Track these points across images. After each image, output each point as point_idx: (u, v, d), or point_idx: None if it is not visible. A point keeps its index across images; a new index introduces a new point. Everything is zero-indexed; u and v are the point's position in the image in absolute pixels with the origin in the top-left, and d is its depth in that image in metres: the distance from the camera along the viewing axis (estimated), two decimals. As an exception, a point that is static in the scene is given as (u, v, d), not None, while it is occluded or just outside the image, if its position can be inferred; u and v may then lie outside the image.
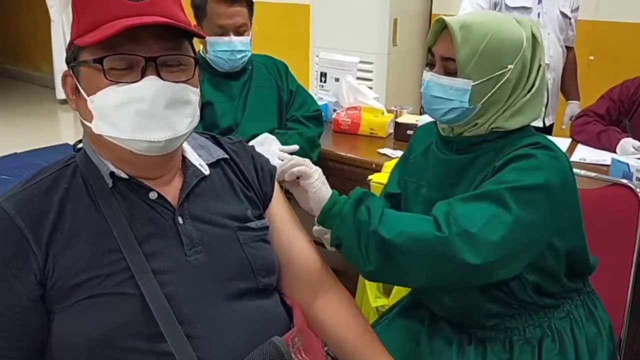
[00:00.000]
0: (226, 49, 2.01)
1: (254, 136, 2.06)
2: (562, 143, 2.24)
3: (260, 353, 0.97)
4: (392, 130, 2.49)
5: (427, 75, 1.28)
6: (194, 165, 1.07)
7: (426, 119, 2.11)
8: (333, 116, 2.59)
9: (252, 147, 1.24)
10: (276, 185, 1.21)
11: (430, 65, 1.29)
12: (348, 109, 2.56)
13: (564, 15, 2.73)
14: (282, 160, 1.93)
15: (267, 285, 1.09)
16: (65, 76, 0.99)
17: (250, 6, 2.05)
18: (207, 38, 1.99)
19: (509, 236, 1.10)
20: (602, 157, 2.18)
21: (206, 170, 1.08)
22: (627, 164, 1.88)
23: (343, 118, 2.52)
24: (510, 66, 1.20)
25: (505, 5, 2.65)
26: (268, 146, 2.00)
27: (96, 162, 1.00)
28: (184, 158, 1.08)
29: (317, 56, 2.96)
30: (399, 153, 2.14)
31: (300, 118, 2.20)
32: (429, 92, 1.27)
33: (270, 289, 1.10)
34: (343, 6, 3.67)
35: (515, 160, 1.17)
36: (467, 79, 1.21)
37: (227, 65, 2.05)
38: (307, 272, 1.19)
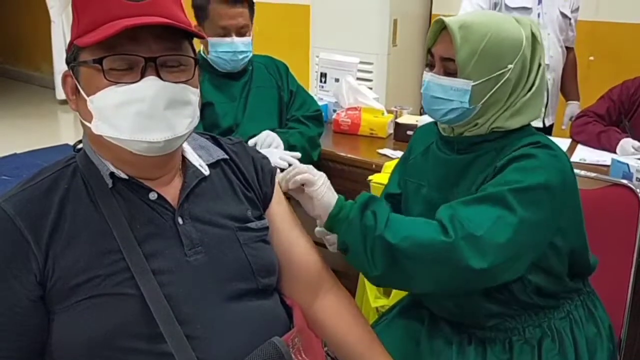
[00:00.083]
0: (228, 49, 2.01)
1: (254, 136, 2.06)
2: (562, 143, 2.24)
3: (260, 353, 0.97)
4: (392, 131, 2.49)
5: (427, 75, 1.28)
6: (194, 166, 1.07)
7: (426, 119, 2.11)
8: (333, 117, 2.59)
9: (253, 147, 1.24)
10: (276, 185, 1.21)
11: (430, 66, 1.29)
12: (348, 109, 2.56)
13: (564, 15, 2.73)
14: (283, 166, 1.95)
15: (267, 286, 1.09)
16: (65, 76, 0.99)
17: (251, 7, 2.06)
18: (209, 39, 1.99)
19: (514, 238, 1.10)
20: (602, 157, 2.18)
21: (206, 171, 1.08)
22: (627, 164, 1.88)
23: (343, 118, 2.53)
24: (510, 66, 1.20)
25: (505, 5, 2.66)
26: (272, 149, 2.00)
27: (96, 163, 1.00)
28: (184, 158, 1.08)
29: (317, 56, 2.96)
30: (399, 153, 2.14)
31: (300, 118, 2.20)
32: (429, 92, 1.27)
33: (270, 289, 1.10)
34: (343, 6, 3.67)
35: (515, 161, 1.17)
36: (467, 79, 1.21)
37: (229, 65, 2.06)
38: (307, 272, 1.19)
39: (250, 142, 1.99)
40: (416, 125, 2.27)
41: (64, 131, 5.81)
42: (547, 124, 2.85)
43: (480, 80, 1.20)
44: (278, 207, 1.19)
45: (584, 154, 2.25)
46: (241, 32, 2.02)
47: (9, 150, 4.41)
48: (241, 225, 1.08)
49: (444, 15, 1.25)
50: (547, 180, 1.14)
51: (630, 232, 1.54)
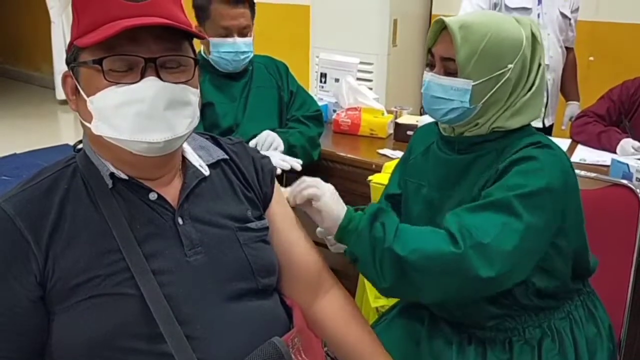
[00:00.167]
0: (230, 50, 2.01)
1: (254, 136, 2.06)
2: (562, 144, 2.24)
3: (260, 354, 0.97)
4: (392, 131, 2.49)
5: (428, 75, 1.28)
6: (194, 166, 1.07)
7: (426, 119, 2.11)
8: (333, 117, 2.59)
9: (253, 147, 1.24)
10: (276, 185, 1.21)
11: (431, 66, 1.29)
12: (348, 109, 2.56)
13: (563, 16, 2.73)
14: (285, 168, 1.95)
15: (267, 286, 1.09)
16: (65, 77, 0.99)
17: (252, 7, 2.06)
18: (211, 39, 2.00)
19: (521, 244, 1.11)
20: (602, 157, 2.18)
21: (206, 171, 1.08)
22: (627, 165, 1.88)
23: (343, 119, 2.52)
24: (510, 65, 1.20)
25: (505, 5, 2.65)
26: (273, 151, 2.01)
27: (96, 163, 1.00)
28: (184, 159, 1.08)
29: (317, 57, 2.96)
30: (399, 154, 2.14)
31: (300, 118, 2.20)
32: (430, 92, 1.27)
33: (270, 289, 1.10)
34: (343, 7, 3.67)
35: (517, 163, 1.17)
36: (468, 78, 1.21)
37: (231, 66, 2.06)
38: (307, 272, 1.19)
39: (251, 143, 2.00)
40: (416, 125, 2.27)
41: (64, 131, 5.81)
42: (547, 124, 2.85)
43: (481, 80, 1.21)
44: (278, 207, 1.19)
45: (584, 154, 2.26)
46: (243, 32, 2.03)
47: (9, 151, 4.41)
48: (241, 225, 1.08)
49: (444, 16, 1.25)
50: (550, 183, 1.15)
51: (630, 232, 1.54)
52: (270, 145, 2.02)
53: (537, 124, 1.26)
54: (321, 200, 1.18)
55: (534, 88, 1.25)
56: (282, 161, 1.99)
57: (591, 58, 3.52)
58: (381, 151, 2.27)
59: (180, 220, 1.01)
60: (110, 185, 0.98)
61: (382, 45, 3.65)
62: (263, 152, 1.30)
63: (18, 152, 4.41)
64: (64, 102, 5.72)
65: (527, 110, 1.25)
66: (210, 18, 2.00)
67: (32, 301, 0.93)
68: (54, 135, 5.21)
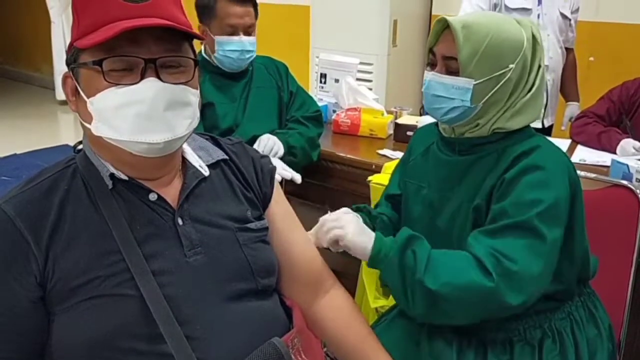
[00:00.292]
0: (236, 48, 2.02)
1: (254, 137, 2.06)
2: (562, 144, 2.24)
3: (260, 354, 0.97)
4: (391, 131, 2.49)
5: (429, 74, 1.28)
6: (194, 167, 1.07)
7: (426, 120, 2.11)
8: (333, 117, 2.59)
9: (252, 148, 1.24)
10: (276, 185, 1.21)
11: (432, 65, 1.29)
12: (348, 110, 2.56)
13: (563, 16, 2.73)
14: (287, 177, 1.95)
15: (267, 286, 1.09)
16: (65, 78, 0.99)
17: (255, 7, 2.08)
18: (217, 37, 2.01)
19: (547, 264, 1.15)
20: (602, 158, 2.18)
21: (206, 172, 1.08)
22: (627, 165, 1.88)
23: (343, 119, 2.53)
24: (511, 66, 1.21)
25: (505, 6, 2.65)
26: (273, 159, 2.01)
27: (96, 164, 1.00)
28: (184, 159, 1.08)
29: (317, 57, 2.96)
30: (398, 154, 2.14)
31: (300, 118, 2.21)
32: (431, 91, 1.27)
33: (270, 289, 1.10)
34: (343, 7, 3.67)
35: (525, 173, 1.18)
36: (469, 78, 1.21)
37: (235, 64, 2.06)
38: (307, 272, 1.19)
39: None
40: (416, 126, 2.27)
41: (64, 132, 5.81)
42: (547, 124, 2.85)
43: (482, 79, 1.21)
44: (278, 207, 1.19)
45: (583, 154, 2.26)
46: (248, 31, 2.04)
47: (9, 151, 4.41)
48: (241, 225, 1.08)
49: (444, 16, 1.25)
50: (560, 192, 1.17)
51: (630, 233, 1.54)
52: (271, 149, 2.02)
53: (536, 124, 1.26)
54: (346, 239, 1.20)
55: (534, 89, 1.25)
56: (284, 170, 1.99)
57: (591, 58, 3.52)
58: (381, 152, 2.27)
59: (180, 221, 1.01)
60: (110, 186, 0.98)
61: (382, 45, 3.65)
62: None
63: (18, 152, 4.41)
64: (63, 103, 5.71)
65: (527, 111, 1.25)
66: (216, 16, 2.01)
67: (32, 302, 0.93)
68: (53, 136, 5.21)
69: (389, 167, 1.94)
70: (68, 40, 1.00)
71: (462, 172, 1.29)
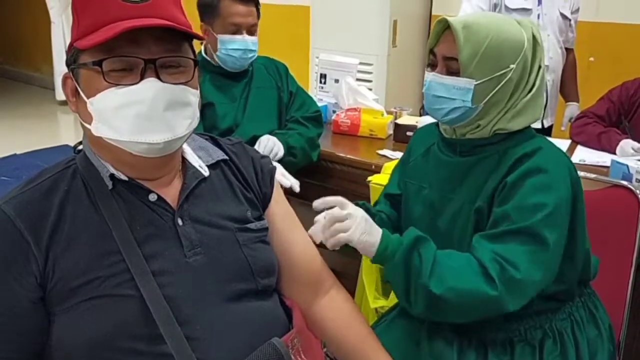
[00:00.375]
0: (239, 47, 2.03)
1: (254, 137, 2.06)
2: (562, 144, 2.24)
3: (260, 354, 0.97)
4: (391, 132, 2.49)
5: (429, 75, 1.28)
6: (194, 167, 1.07)
7: (426, 120, 2.11)
8: (333, 117, 2.59)
9: (252, 148, 1.24)
10: (276, 185, 1.21)
11: (432, 66, 1.29)
12: (348, 110, 2.56)
13: (563, 16, 2.73)
14: (286, 185, 1.95)
15: (267, 287, 1.09)
16: (65, 78, 0.99)
17: (258, 7, 2.08)
18: (220, 36, 2.01)
19: (548, 269, 1.16)
20: (602, 158, 2.18)
21: (206, 172, 1.08)
22: (627, 166, 1.88)
23: (343, 119, 2.53)
24: (512, 66, 1.21)
25: (505, 6, 2.65)
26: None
27: (96, 164, 1.00)
28: (183, 159, 1.08)
29: (317, 57, 2.96)
30: (398, 154, 2.14)
31: (299, 119, 2.21)
32: (431, 92, 1.27)
33: (270, 290, 1.10)
34: (343, 7, 3.67)
35: (529, 176, 1.18)
36: (470, 78, 1.21)
37: (238, 63, 2.06)
38: (307, 272, 1.19)
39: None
40: (416, 126, 2.27)
41: (64, 132, 5.81)
42: (546, 125, 2.85)
43: (483, 80, 1.21)
44: (277, 207, 1.19)
45: (583, 155, 2.26)
46: (251, 30, 2.05)
47: (9, 151, 4.40)
48: (241, 226, 1.08)
49: (444, 16, 1.25)
50: (563, 195, 1.18)
51: (630, 233, 1.54)
52: (270, 150, 2.02)
53: (536, 125, 1.26)
54: (354, 242, 1.18)
55: (534, 89, 1.25)
56: (283, 176, 1.99)
57: (591, 59, 3.52)
58: (381, 152, 2.27)
59: (180, 221, 1.01)
60: (110, 187, 0.98)
61: (382, 46, 3.65)
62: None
63: (18, 152, 4.41)
64: (63, 103, 5.71)
65: (528, 111, 1.25)
66: (219, 15, 2.01)
67: (32, 302, 0.93)
68: (53, 136, 5.21)
69: (389, 168, 1.94)
70: (68, 41, 1.00)
71: (463, 173, 1.29)
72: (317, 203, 1.21)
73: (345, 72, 2.71)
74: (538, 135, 1.29)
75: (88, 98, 0.94)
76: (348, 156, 2.24)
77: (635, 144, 2.16)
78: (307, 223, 1.25)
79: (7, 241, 0.92)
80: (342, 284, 1.25)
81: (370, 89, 2.95)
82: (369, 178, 1.96)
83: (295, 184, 2.01)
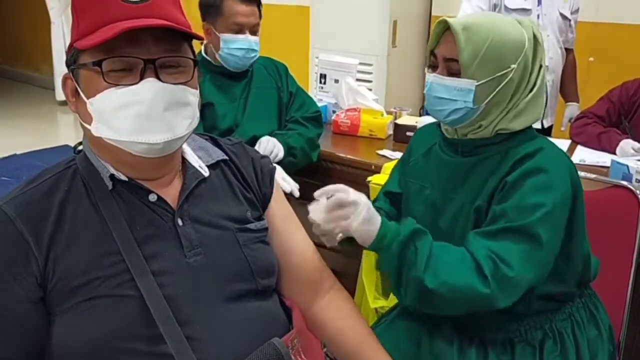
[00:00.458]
0: (242, 46, 2.03)
1: (254, 137, 2.06)
2: (562, 144, 2.23)
3: (260, 354, 0.97)
4: (391, 132, 2.49)
5: (430, 76, 1.28)
6: (194, 167, 1.07)
7: (426, 120, 2.11)
8: (332, 118, 2.59)
9: (252, 148, 1.24)
10: (276, 185, 1.21)
11: (433, 67, 1.29)
12: (347, 110, 2.57)
13: (563, 17, 2.73)
14: (287, 190, 1.95)
15: (267, 287, 1.09)
16: (65, 79, 0.99)
17: (260, 8, 2.08)
18: (222, 35, 2.01)
19: (541, 268, 1.17)
20: (602, 158, 2.18)
21: (206, 172, 1.08)
22: (627, 166, 1.88)
23: (342, 119, 2.53)
24: (513, 66, 1.21)
25: (505, 6, 2.65)
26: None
27: (96, 165, 1.00)
28: (183, 160, 1.08)
29: (317, 58, 2.96)
30: (398, 154, 2.14)
31: (299, 119, 2.21)
32: (433, 93, 1.27)
33: (270, 290, 1.10)
34: (343, 8, 3.67)
35: (528, 176, 1.18)
36: (471, 79, 1.21)
37: (240, 63, 2.06)
38: (307, 273, 1.19)
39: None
40: (415, 126, 2.27)
41: (64, 132, 5.81)
42: (546, 125, 2.85)
43: (484, 80, 1.21)
44: (277, 207, 1.19)
45: (583, 155, 2.26)
46: (253, 30, 2.05)
47: (9, 151, 4.41)
48: (240, 226, 1.08)
49: (444, 17, 1.25)
50: (563, 196, 1.18)
51: (630, 233, 1.54)
52: (270, 151, 2.02)
53: (535, 125, 1.26)
54: (352, 230, 1.17)
55: (535, 89, 1.25)
56: (283, 180, 1.99)
57: (591, 59, 3.52)
58: (380, 152, 2.27)
59: (179, 222, 1.01)
60: (110, 187, 0.98)
61: (382, 46, 3.65)
62: None
63: (18, 152, 4.41)
64: (63, 103, 5.71)
65: (529, 111, 1.26)
66: (222, 14, 2.01)
67: (32, 302, 0.93)
68: (53, 136, 5.20)
69: (389, 168, 1.93)
70: (68, 41, 1.00)
71: (464, 173, 1.29)
72: (318, 193, 1.20)
73: (345, 72, 2.71)
74: (540, 136, 1.29)
75: (88, 98, 0.94)
76: (348, 156, 2.24)
77: (635, 144, 2.16)
78: (307, 223, 1.25)
79: (7, 242, 0.92)
80: (342, 284, 1.25)
81: (370, 89, 2.96)
82: (369, 178, 1.95)
83: (295, 188, 2.01)
